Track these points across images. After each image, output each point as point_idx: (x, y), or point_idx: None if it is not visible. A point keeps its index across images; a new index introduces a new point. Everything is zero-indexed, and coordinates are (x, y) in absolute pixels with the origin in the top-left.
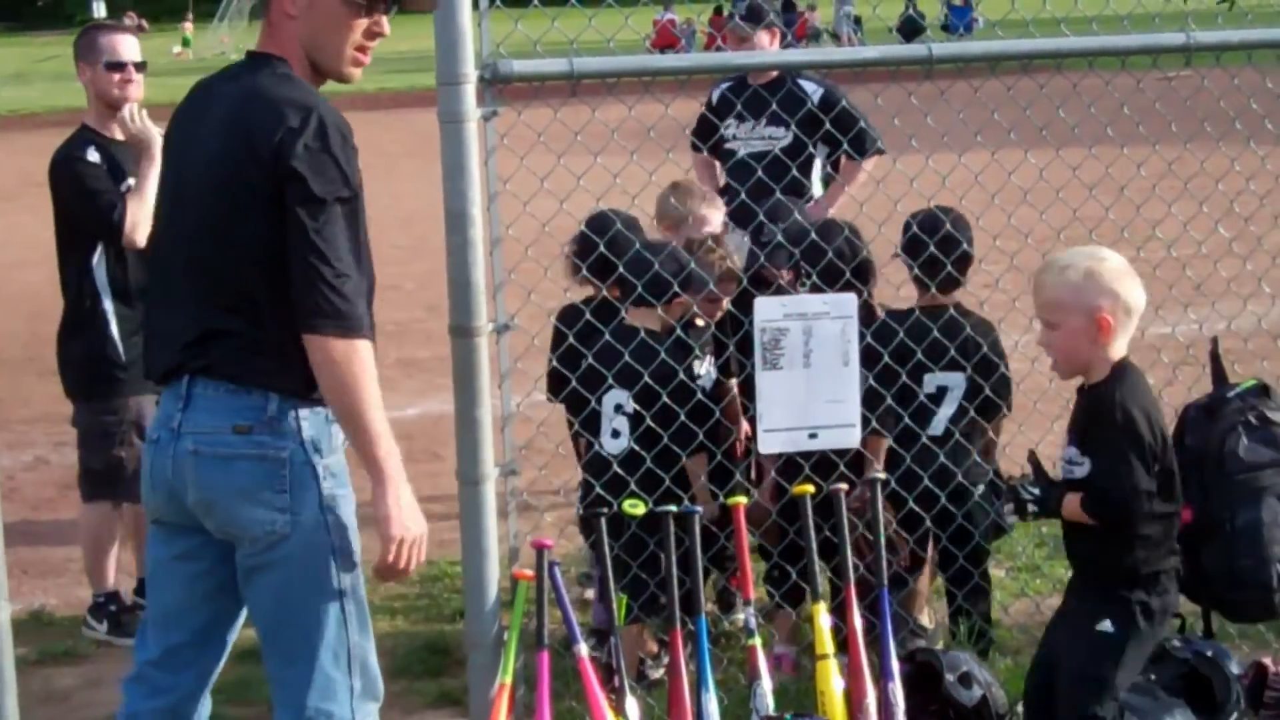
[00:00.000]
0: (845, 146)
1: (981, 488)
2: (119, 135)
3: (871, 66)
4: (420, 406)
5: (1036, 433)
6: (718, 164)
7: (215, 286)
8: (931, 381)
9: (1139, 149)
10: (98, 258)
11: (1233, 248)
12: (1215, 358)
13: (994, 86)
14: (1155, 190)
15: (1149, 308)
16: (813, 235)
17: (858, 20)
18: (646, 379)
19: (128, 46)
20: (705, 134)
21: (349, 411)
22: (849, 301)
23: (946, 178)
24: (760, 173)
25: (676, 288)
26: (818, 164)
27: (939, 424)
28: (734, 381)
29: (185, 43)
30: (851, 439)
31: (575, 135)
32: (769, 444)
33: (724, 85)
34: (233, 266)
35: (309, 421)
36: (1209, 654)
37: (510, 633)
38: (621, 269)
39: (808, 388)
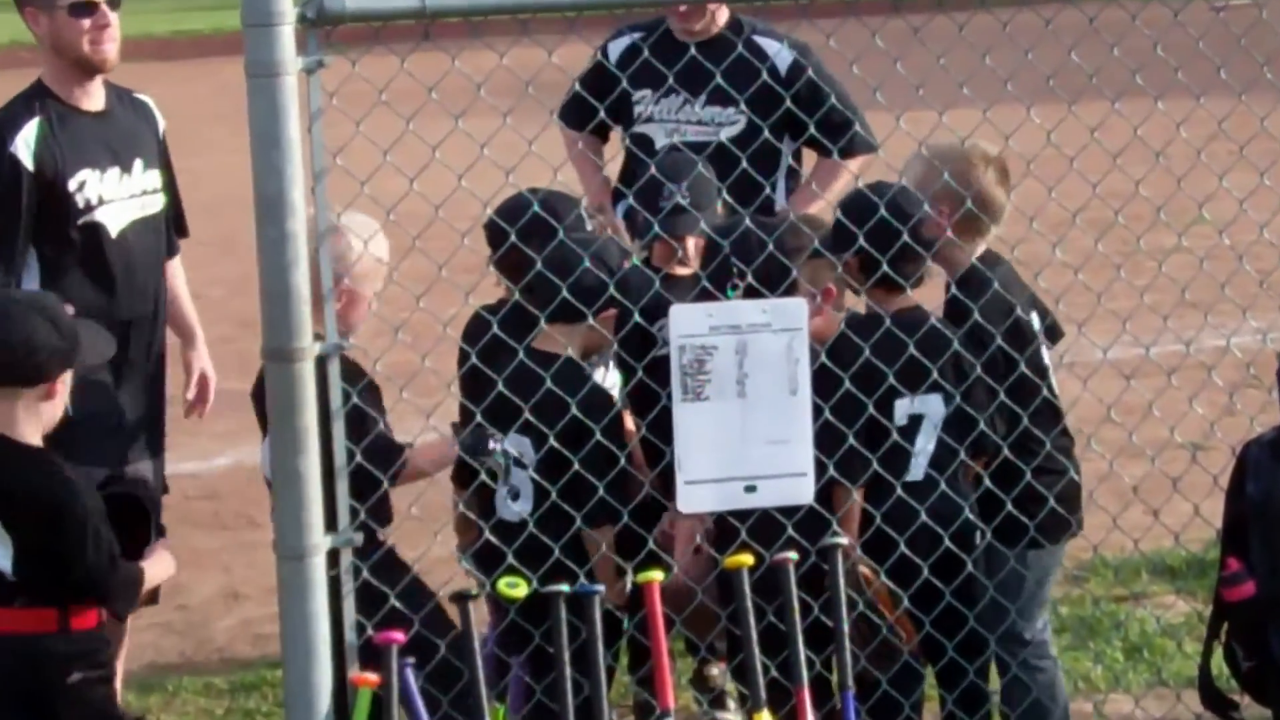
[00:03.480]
0: (822, 138)
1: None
2: (88, 105)
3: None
4: (231, 455)
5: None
6: (615, 153)
7: None
8: (903, 410)
9: (1179, 102)
10: (31, 267)
11: None
12: None
13: (985, 22)
14: (1201, 157)
15: (1197, 313)
16: (747, 222)
17: None
18: (546, 420)
19: None
20: (589, 108)
21: None
22: (797, 309)
23: (924, 142)
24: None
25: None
26: (784, 161)
27: (918, 466)
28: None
29: None
30: (803, 492)
31: (429, 92)
32: (692, 501)
33: (630, 35)
34: None
35: None
36: None
37: None
38: (545, 271)
39: (743, 425)
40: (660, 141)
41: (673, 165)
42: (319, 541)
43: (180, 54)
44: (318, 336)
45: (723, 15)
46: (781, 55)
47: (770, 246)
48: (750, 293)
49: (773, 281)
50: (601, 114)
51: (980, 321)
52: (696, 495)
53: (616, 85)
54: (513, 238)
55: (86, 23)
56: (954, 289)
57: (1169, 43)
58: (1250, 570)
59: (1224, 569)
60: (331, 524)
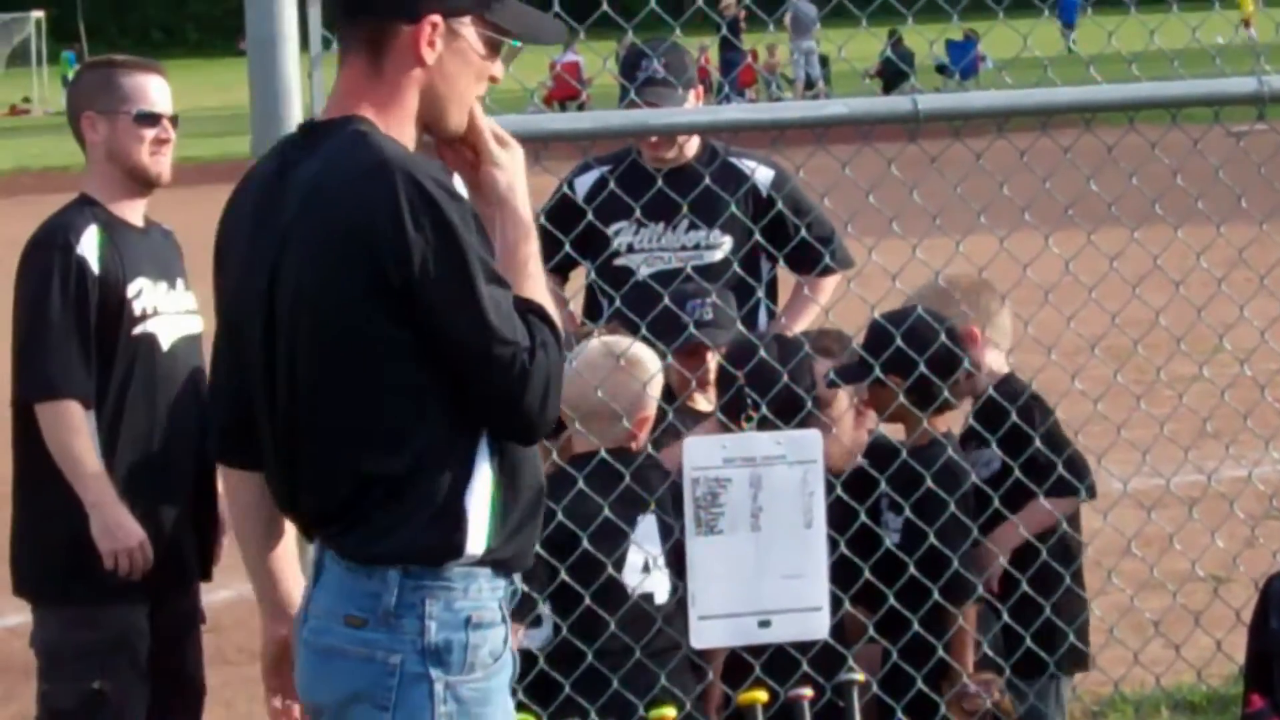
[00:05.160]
0: (807, 253)
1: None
2: (133, 219)
3: (837, 125)
4: (234, 587)
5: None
6: (581, 287)
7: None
8: None
9: (1199, 230)
10: None
11: None
12: None
13: (1002, 150)
14: (1222, 286)
15: (1218, 444)
16: (761, 352)
17: (823, 60)
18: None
19: (161, 91)
20: (556, 245)
21: None
22: (812, 441)
23: (940, 272)
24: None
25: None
26: (764, 279)
27: None
28: None
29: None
30: (818, 627)
31: None
32: (705, 636)
33: (597, 169)
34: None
35: (439, 621)
36: None
37: None
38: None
39: (757, 559)
40: (642, 272)
41: (691, 287)
42: None
43: (188, 179)
44: None
45: (693, 144)
46: (759, 174)
47: (785, 374)
48: (765, 423)
49: (791, 409)
50: (570, 250)
51: (1018, 423)
52: (710, 630)
53: (585, 220)
54: None
55: (149, 133)
56: (991, 391)
57: (1189, 171)
58: (1275, 707)
59: (1247, 705)
60: None
